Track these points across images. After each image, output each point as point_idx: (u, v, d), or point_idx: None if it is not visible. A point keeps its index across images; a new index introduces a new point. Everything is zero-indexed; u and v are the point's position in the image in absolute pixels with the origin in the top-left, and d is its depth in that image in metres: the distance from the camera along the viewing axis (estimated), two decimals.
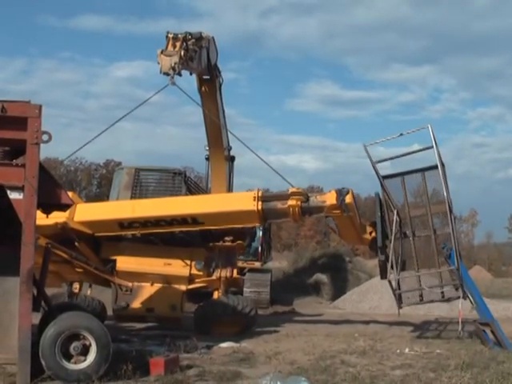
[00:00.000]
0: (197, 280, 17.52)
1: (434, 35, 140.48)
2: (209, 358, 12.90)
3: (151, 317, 17.37)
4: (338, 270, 33.25)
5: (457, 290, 15.88)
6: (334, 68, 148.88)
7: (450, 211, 16.07)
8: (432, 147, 15.97)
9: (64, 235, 16.24)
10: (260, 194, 16.48)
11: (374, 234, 17.31)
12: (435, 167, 16.35)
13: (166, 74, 17.58)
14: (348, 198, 16.27)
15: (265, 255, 27.10)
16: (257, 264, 25.97)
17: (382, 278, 17.66)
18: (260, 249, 26.60)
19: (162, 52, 17.66)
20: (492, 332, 15.50)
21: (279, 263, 34.97)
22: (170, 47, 17.77)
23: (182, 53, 17.65)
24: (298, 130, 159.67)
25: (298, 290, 29.66)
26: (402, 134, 16.14)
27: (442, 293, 16.22)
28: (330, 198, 16.40)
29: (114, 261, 17.26)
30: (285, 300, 27.30)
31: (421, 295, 16.24)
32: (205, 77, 20.82)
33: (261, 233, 26.54)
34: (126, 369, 10.32)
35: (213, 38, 20.25)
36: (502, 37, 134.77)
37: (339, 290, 30.28)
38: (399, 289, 16.18)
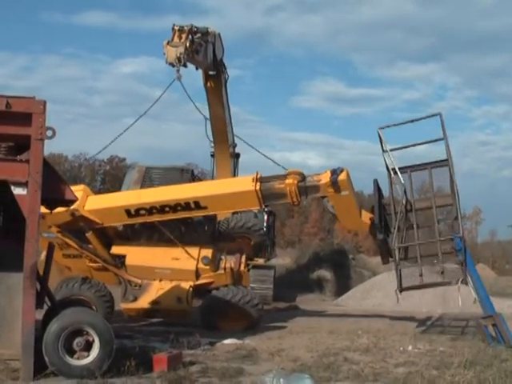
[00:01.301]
0: (204, 275, 17.68)
1: (440, 33, 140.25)
2: (212, 354, 12.91)
3: (159, 311, 17.44)
4: (342, 266, 33.21)
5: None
6: (339, 65, 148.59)
7: (458, 200, 16.18)
8: (442, 139, 16.12)
9: (74, 224, 16.72)
10: (258, 176, 16.82)
11: (372, 218, 17.41)
12: (442, 163, 16.44)
13: (172, 64, 17.92)
14: (342, 176, 16.57)
15: (268, 252, 27.08)
16: (260, 260, 25.92)
17: (383, 262, 17.81)
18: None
19: (167, 43, 17.92)
20: (495, 326, 15.43)
21: (282, 260, 34.88)
22: (175, 39, 18.06)
23: (188, 44, 17.91)
24: (303, 128, 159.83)
25: (301, 286, 29.64)
26: (413, 121, 16.58)
27: (443, 273, 16.18)
28: (325, 177, 16.75)
29: (124, 256, 17.64)
30: (288, 297, 27.28)
31: (421, 275, 16.18)
32: (210, 72, 20.89)
33: (265, 229, 26.53)
34: (129, 365, 10.32)
35: (219, 34, 20.34)
36: (507, 35, 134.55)
37: (342, 287, 30.25)
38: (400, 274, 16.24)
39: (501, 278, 47.76)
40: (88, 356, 10.18)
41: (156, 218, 17.15)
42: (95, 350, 10.19)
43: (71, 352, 10.12)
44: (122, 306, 17.54)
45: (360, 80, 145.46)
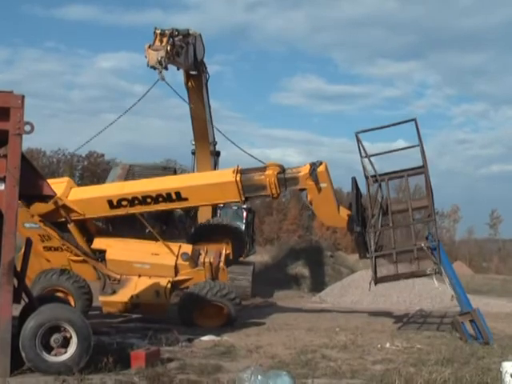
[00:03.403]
0: (183, 271, 17.68)
1: (420, 31, 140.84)
2: (190, 351, 12.89)
3: (137, 305, 17.41)
4: (320, 264, 33.36)
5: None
6: (320, 62, 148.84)
7: (433, 202, 16.44)
8: (417, 145, 16.44)
9: (56, 215, 17.03)
10: (239, 168, 17.34)
11: (350, 214, 17.59)
12: (418, 170, 16.67)
13: (153, 67, 18.11)
14: (321, 168, 17.08)
15: (247, 248, 27.14)
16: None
17: (360, 257, 18.06)
18: None
19: (149, 47, 18.21)
20: (472, 322, 15.55)
21: (261, 257, 34.91)
22: (157, 42, 18.39)
23: (169, 48, 18.18)
24: (283, 124, 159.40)
25: (279, 283, 29.69)
26: (388, 126, 17.08)
27: (417, 259, 16.43)
28: (304, 169, 17.28)
29: (104, 251, 17.70)
30: (266, 293, 27.32)
31: (395, 263, 16.49)
32: (192, 72, 21.06)
33: (243, 226, 26.58)
34: (107, 361, 10.29)
35: (200, 34, 20.52)
36: (487, 33, 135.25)
37: (320, 284, 30.37)
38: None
39: (477, 275, 48.16)
40: (65, 352, 10.13)
41: (138, 209, 17.35)
42: (73, 347, 10.14)
43: (48, 348, 10.07)
44: (100, 299, 17.51)
45: (340, 77, 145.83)
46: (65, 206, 17.23)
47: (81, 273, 17.93)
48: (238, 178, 17.13)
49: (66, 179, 18.50)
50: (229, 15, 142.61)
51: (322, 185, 17.11)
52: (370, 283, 17.23)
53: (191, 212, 20.77)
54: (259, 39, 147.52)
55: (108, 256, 17.67)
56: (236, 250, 19.78)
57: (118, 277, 17.49)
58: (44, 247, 17.72)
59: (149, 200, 17.23)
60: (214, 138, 23.13)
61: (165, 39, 18.23)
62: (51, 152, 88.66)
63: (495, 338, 15.40)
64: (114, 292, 17.34)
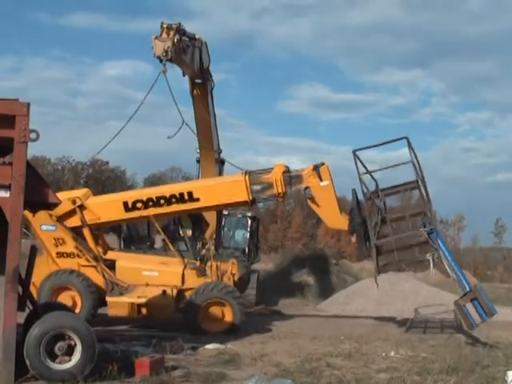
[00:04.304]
0: (190, 280, 18.13)
1: (425, 39, 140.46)
2: (194, 359, 12.90)
3: (142, 306, 17.56)
4: (324, 272, 33.33)
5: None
6: (326, 70, 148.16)
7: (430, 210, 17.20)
8: (410, 162, 16.96)
9: (73, 218, 17.97)
10: (247, 171, 18.53)
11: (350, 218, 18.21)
12: (412, 185, 17.75)
13: (159, 58, 18.35)
14: (323, 167, 18.08)
15: (252, 256, 27.13)
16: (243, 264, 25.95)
17: (361, 250, 19.13)
18: (247, 250, 26.64)
19: (156, 38, 18.49)
20: (474, 301, 15.80)
21: (265, 265, 34.90)
22: (164, 35, 18.58)
23: (176, 40, 18.39)
24: (288, 132, 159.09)
25: (284, 291, 29.64)
26: (383, 144, 17.77)
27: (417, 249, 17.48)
28: (308, 168, 18.25)
29: (114, 261, 18.45)
30: (270, 301, 27.30)
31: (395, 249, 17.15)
32: (197, 80, 21.10)
33: (248, 234, 26.59)
34: (112, 369, 10.31)
35: (206, 42, 20.63)
36: (492, 41, 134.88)
37: (325, 292, 30.29)
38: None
39: (482, 284, 47.98)
40: (70, 360, 10.14)
41: (152, 211, 18.10)
42: (77, 355, 10.15)
43: (53, 356, 10.08)
44: (107, 299, 17.78)
45: (346, 85, 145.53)
46: (82, 207, 18.08)
47: (90, 276, 18.14)
48: (246, 178, 18.09)
49: (85, 190, 19.48)
50: (234, 23, 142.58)
51: (325, 182, 17.97)
52: (375, 277, 17.86)
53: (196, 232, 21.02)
54: (264, 47, 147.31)
55: (118, 263, 18.33)
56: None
57: (126, 285, 17.89)
58: (57, 253, 18.13)
59: (162, 201, 18.05)
60: (219, 146, 23.15)
61: (172, 32, 18.51)
62: (56, 159, 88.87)
63: (500, 347, 15.36)
64: (121, 294, 17.75)
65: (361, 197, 17.90)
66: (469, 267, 65.12)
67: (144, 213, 18.18)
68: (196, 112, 21.52)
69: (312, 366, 12.48)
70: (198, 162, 23.49)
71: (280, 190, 18.13)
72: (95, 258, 18.16)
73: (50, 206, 11.46)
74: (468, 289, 16.37)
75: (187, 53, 19.48)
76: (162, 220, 20.03)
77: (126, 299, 17.58)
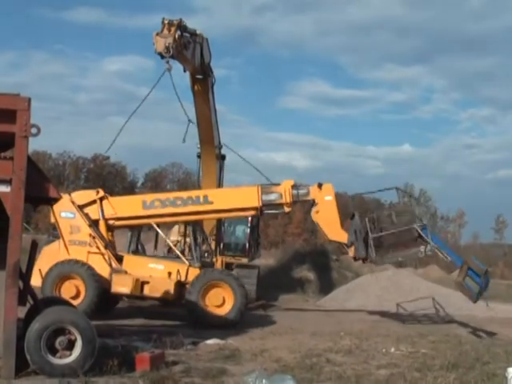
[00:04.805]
0: (192, 276, 18.47)
1: (427, 35, 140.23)
2: (195, 354, 12.91)
3: (148, 283, 18.11)
4: (325, 267, 33.31)
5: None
6: (327, 66, 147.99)
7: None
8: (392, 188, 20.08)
9: (93, 206, 18.75)
10: (260, 184, 19.68)
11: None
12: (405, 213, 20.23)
13: (160, 54, 18.44)
14: (327, 184, 19.50)
15: (252, 252, 27.10)
16: (244, 260, 25.95)
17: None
18: (247, 245, 26.62)
19: (157, 34, 18.53)
20: (470, 271, 16.93)
21: (266, 260, 34.85)
22: (165, 31, 18.61)
23: (177, 36, 18.42)
24: (289, 128, 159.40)
25: (284, 287, 29.63)
26: (373, 192, 21.18)
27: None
28: (314, 184, 19.60)
29: (122, 256, 19.03)
30: (271, 297, 27.28)
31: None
32: (198, 76, 21.10)
33: (248, 230, 26.57)
34: (112, 364, 10.32)
35: (207, 39, 20.60)
36: (494, 38, 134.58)
37: (325, 287, 30.30)
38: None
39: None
40: (70, 355, 10.15)
41: (168, 210, 19.02)
42: (77, 349, 10.16)
43: (53, 351, 10.08)
44: (112, 276, 18.14)
45: (347, 81, 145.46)
46: (103, 199, 18.85)
47: (96, 266, 18.40)
48: (258, 187, 19.34)
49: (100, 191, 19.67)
50: (236, 19, 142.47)
51: (329, 197, 19.31)
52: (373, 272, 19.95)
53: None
54: (266, 43, 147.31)
55: (126, 256, 19.06)
56: None
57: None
58: (70, 240, 18.54)
59: (179, 202, 19.08)
60: (220, 142, 23.17)
61: (173, 28, 18.51)
62: (57, 154, 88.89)
63: (500, 344, 15.37)
64: (125, 272, 18.39)
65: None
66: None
67: (161, 211, 19.05)
68: (197, 108, 21.56)
69: (312, 361, 12.50)
70: (199, 157, 23.55)
71: (288, 200, 19.36)
72: (106, 247, 18.51)
73: (51, 201, 11.45)
74: (460, 264, 17.95)
75: (188, 49, 19.48)
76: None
77: (131, 275, 18.13)
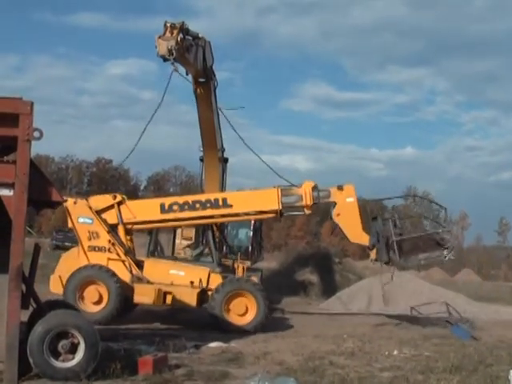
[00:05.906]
0: (214, 283, 18.51)
1: (430, 37, 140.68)
2: (197, 357, 12.90)
3: (169, 294, 18.00)
4: (328, 270, 33.28)
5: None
6: (330, 68, 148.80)
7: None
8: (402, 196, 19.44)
9: (110, 213, 18.57)
10: (280, 186, 19.36)
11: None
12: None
13: (163, 57, 18.35)
14: (349, 185, 19.22)
15: (255, 255, 27.09)
16: (247, 263, 25.95)
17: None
18: (250, 248, 26.61)
19: (159, 37, 18.46)
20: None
21: (269, 263, 34.86)
22: (167, 34, 18.53)
23: (179, 39, 18.37)
24: (292, 131, 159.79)
25: (287, 290, 29.62)
26: (398, 197, 20.67)
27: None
28: (334, 186, 19.29)
29: (143, 261, 19.10)
30: (273, 300, 27.26)
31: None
32: (200, 79, 21.10)
33: (251, 233, 26.56)
34: (115, 368, 10.33)
35: (209, 42, 20.60)
36: (497, 40, 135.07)
37: (328, 290, 30.26)
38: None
39: (486, 282, 48.04)
40: (73, 358, 10.15)
41: (186, 214, 18.89)
42: (80, 353, 10.16)
43: (56, 354, 10.08)
44: (134, 285, 18.00)
45: (350, 84, 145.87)
46: (121, 203, 18.69)
47: (117, 272, 18.33)
48: (278, 189, 19.01)
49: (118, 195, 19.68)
50: (239, 21, 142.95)
51: (350, 199, 19.00)
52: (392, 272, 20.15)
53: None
54: (269, 45, 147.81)
55: (146, 262, 19.07)
56: None
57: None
58: (89, 246, 18.43)
59: (197, 205, 18.86)
60: (223, 145, 23.16)
61: (175, 31, 18.49)
62: (60, 158, 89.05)
63: (504, 346, 15.36)
64: (147, 281, 18.20)
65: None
66: (473, 266, 65.12)
67: (179, 215, 18.90)
68: (199, 111, 21.55)
69: (315, 364, 12.49)
70: (202, 160, 23.54)
71: (309, 203, 19.04)
72: (126, 253, 18.44)
73: (54, 205, 11.47)
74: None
75: (191, 52, 19.48)
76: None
77: (153, 285, 17.99)
